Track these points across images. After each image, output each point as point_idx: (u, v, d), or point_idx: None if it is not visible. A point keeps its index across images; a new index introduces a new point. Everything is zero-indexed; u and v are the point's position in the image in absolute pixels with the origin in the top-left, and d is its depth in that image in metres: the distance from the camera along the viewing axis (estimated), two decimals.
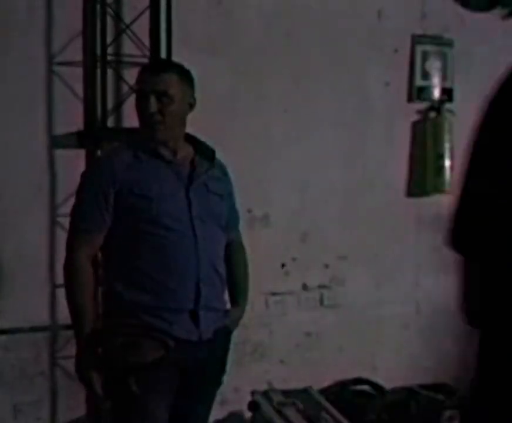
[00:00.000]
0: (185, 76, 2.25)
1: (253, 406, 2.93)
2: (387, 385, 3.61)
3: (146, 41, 3.13)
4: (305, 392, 2.99)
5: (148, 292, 2.09)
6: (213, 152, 2.33)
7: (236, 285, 2.39)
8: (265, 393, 2.94)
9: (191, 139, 2.31)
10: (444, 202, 3.74)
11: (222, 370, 2.32)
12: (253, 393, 3.00)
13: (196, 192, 2.18)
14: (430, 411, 3.54)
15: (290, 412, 2.74)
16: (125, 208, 2.11)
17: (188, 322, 2.12)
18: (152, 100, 2.10)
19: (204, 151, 2.30)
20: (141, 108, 2.14)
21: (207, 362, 2.19)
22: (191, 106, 2.26)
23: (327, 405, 2.86)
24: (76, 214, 2.17)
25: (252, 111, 3.40)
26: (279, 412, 2.74)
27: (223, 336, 2.28)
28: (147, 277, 2.09)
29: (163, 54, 3.09)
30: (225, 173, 2.37)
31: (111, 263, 2.18)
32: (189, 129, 3.06)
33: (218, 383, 2.34)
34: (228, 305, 2.38)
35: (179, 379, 2.16)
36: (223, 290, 2.28)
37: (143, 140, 2.19)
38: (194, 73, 3.15)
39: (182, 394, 2.17)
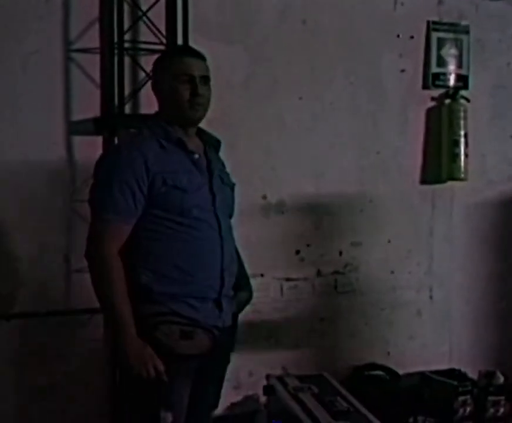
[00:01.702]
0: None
1: (268, 390, 2.95)
2: (401, 370, 3.64)
3: (162, 28, 3.15)
4: (320, 376, 3.02)
5: (177, 283, 2.09)
6: (220, 143, 2.35)
7: (240, 272, 2.41)
8: (280, 378, 2.97)
9: (198, 130, 2.31)
10: (459, 189, 3.78)
11: (231, 349, 2.37)
12: (268, 377, 3.03)
13: (216, 184, 2.21)
14: (443, 397, 3.58)
15: (305, 397, 2.76)
16: (156, 198, 2.07)
17: (213, 310, 2.16)
18: (199, 83, 2.15)
19: (212, 143, 2.32)
20: (184, 91, 2.13)
21: (223, 346, 2.24)
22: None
23: (342, 390, 2.88)
24: (105, 203, 2.06)
25: (267, 99, 3.41)
26: (295, 397, 2.77)
27: (236, 320, 2.34)
28: (176, 268, 2.09)
29: (179, 41, 3.11)
30: (224, 164, 2.39)
31: (138, 254, 2.10)
32: (205, 119, 3.13)
33: (227, 362, 2.40)
34: None
35: (202, 363, 2.20)
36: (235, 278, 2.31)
37: (165, 126, 2.17)
38: (210, 60, 3.23)
39: (196, 376, 2.20)
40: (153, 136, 2.16)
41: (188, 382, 2.16)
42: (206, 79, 2.20)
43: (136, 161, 2.06)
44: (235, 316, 2.36)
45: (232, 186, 2.36)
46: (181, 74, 2.15)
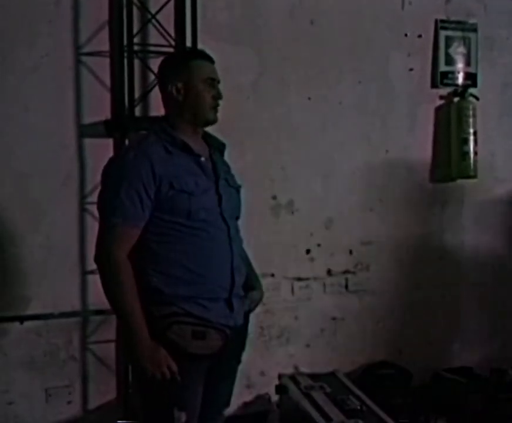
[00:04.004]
0: None
1: (280, 389, 2.96)
2: (412, 368, 3.64)
3: (171, 31, 3.17)
4: (332, 375, 3.02)
5: (187, 284, 2.11)
6: (224, 146, 2.37)
7: (249, 273, 2.42)
8: (292, 377, 2.98)
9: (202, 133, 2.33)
10: (469, 187, 3.77)
11: (242, 349, 2.38)
12: (280, 376, 3.04)
13: (223, 186, 2.23)
14: (455, 395, 3.57)
15: (317, 396, 2.77)
16: (164, 202, 2.09)
17: (224, 309, 2.18)
18: (219, 87, 2.25)
19: (217, 146, 2.34)
20: (207, 94, 2.20)
21: (235, 345, 2.25)
22: None
23: (354, 388, 2.89)
24: (113, 208, 2.07)
25: (276, 99, 3.42)
26: (307, 395, 2.77)
27: (247, 319, 2.35)
28: (185, 270, 2.11)
29: (188, 43, 3.13)
30: (229, 167, 2.40)
31: (147, 258, 2.11)
32: None
33: (239, 361, 2.41)
34: None
35: (214, 362, 2.21)
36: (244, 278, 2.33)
37: (170, 131, 2.19)
38: (218, 61, 3.24)
39: (210, 376, 2.21)
40: (159, 140, 2.17)
41: (201, 382, 2.17)
42: (219, 83, 2.29)
43: (143, 166, 2.08)
44: (246, 315, 2.38)
45: (238, 188, 2.37)
46: (205, 78, 2.21)
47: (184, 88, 2.20)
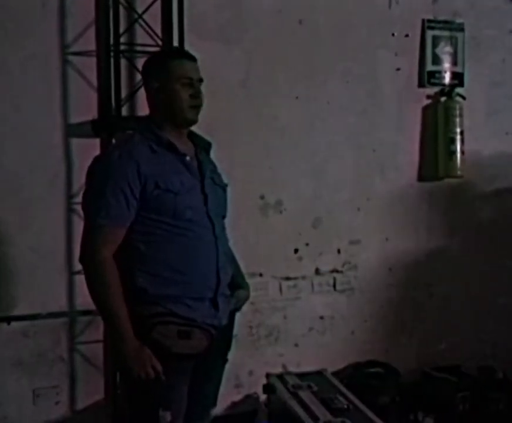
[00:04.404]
0: None
1: (268, 388, 2.97)
2: (400, 367, 3.64)
3: (158, 30, 3.16)
4: (320, 374, 3.03)
5: (172, 284, 2.11)
6: (210, 145, 2.37)
7: (235, 272, 2.42)
8: (280, 376, 2.98)
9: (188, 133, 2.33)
10: (456, 186, 3.79)
11: (228, 348, 2.39)
12: (268, 376, 3.04)
13: (208, 185, 2.23)
14: (443, 393, 3.59)
15: (305, 395, 2.77)
16: (149, 202, 2.09)
17: (210, 309, 2.18)
18: (198, 86, 2.22)
19: (203, 145, 2.34)
20: (184, 94, 2.17)
21: (220, 344, 2.26)
22: None
23: (341, 387, 2.90)
24: (98, 208, 2.06)
25: (264, 99, 3.42)
26: (294, 395, 2.78)
27: (232, 318, 2.36)
28: (171, 269, 2.11)
29: (175, 43, 3.13)
30: (216, 166, 2.41)
31: (132, 257, 2.11)
32: (202, 118, 3.13)
33: (225, 361, 2.42)
34: None
35: (200, 362, 2.21)
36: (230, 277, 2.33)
37: (155, 130, 2.19)
38: (206, 61, 3.24)
39: (193, 375, 2.21)
40: (144, 139, 2.17)
41: (186, 381, 2.17)
42: (201, 81, 2.27)
43: (128, 165, 2.08)
44: (232, 315, 2.38)
45: (224, 187, 2.38)
46: (182, 77, 2.19)
47: (162, 88, 2.20)
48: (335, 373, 3.50)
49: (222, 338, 2.29)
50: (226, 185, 2.41)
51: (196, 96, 2.21)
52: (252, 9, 3.39)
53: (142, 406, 2.11)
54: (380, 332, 3.74)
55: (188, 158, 2.21)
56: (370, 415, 2.63)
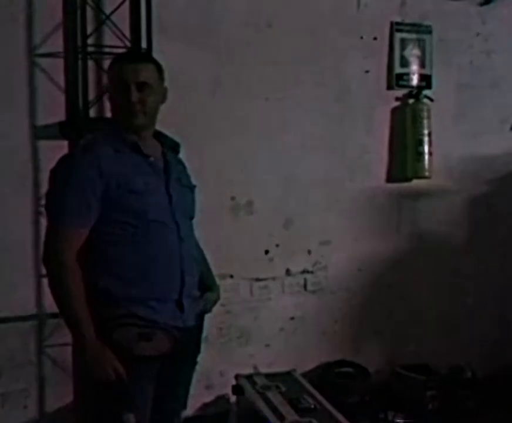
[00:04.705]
0: (159, 66, 2.29)
1: (237, 390, 2.98)
2: (370, 367, 3.68)
3: (127, 32, 3.16)
4: (289, 375, 3.05)
5: (135, 285, 2.11)
6: (178, 146, 2.37)
7: (204, 273, 2.43)
8: (249, 377, 2.99)
9: (156, 133, 2.32)
10: (424, 187, 3.84)
11: (197, 351, 2.39)
12: (237, 377, 3.05)
13: (174, 186, 2.22)
14: (412, 392, 3.63)
15: (273, 395, 2.79)
16: (112, 203, 2.09)
17: (173, 310, 2.17)
18: (134, 90, 2.14)
19: (171, 145, 2.34)
20: (121, 98, 2.15)
21: (187, 346, 2.25)
22: (164, 97, 2.29)
23: (309, 387, 2.92)
24: (60, 209, 2.07)
25: (234, 100, 3.43)
26: (262, 395, 2.79)
27: (200, 320, 2.35)
28: (133, 270, 2.11)
29: (144, 44, 3.12)
30: (185, 166, 2.41)
31: (95, 258, 2.12)
32: (172, 119, 3.13)
33: (194, 364, 2.41)
34: None
35: (162, 364, 2.21)
36: (198, 278, 2.33)
37: (119, 132, 2.19)
38: (175, 62, 3.24)
39: (161, 378, 2.21)
40: (108, 140, 2.17)
41: (150, 383, 2.17)
42: (144, 85, 2.17)
43: (90, 166, 2.08)
44: (201, 316, 2.38)
45: (192, 188, 2.37)
46: (117, 82, 2.17)
47: (109, 93, 2.22)
48: (306, 374, 3.53)
49: (190, 340, 2.28)
50: (194, 186, 2.41)
51: (128, 101, 2.13)
52: (221, 11, 3.39)
53: (105, 408, 2.11)
54: (351, 332, 3.77)
55: (152, 158, 2.21)
56: (337, 414, 2.66)
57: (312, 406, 2.71)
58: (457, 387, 3.68)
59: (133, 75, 2.15)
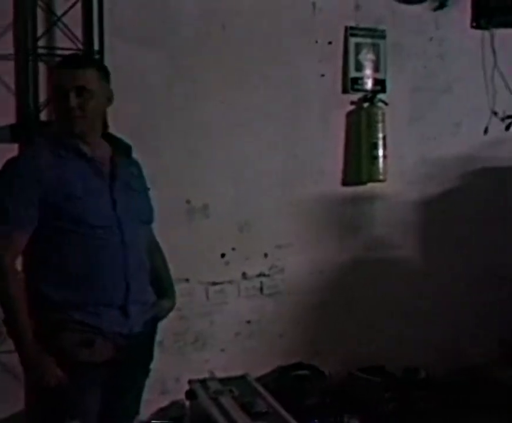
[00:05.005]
0: (103, 69, 2.26)
1: (190, 395, 2.96)
2: (328, 369, 3.69)
3: (79, 33, 3.12)
4: (242, 379, 3.04)
5: (76, 291, 2.08)
6: (130, 148, 2.34)
7: (162, 279, 2.41)
8: (202, 382, 2.98)
9: (107, 136, 2.29)
10: (379, 190, 3.87)
11: (149, 359, 2.36)
12: (190, 382, 3.04)
13: (120, 190, 2.19)
14: (368, 394, 3.65)
15: (225, 400, 2.78)
16: (51, 208, 2.06)
17: (118, 316, 2.14)
18: (72, 95, 2.10)
19: (122, 148, 2.31)
20: (60, 103, 2.12)
21: (138, 354, 2.23)
22: (109, 100, 2.26)
23: (263, 391, 2.92)
24: None
25: (189, 103, 3.42)
26: (215, 400, 2.78)
27: (150, 327, 2.32)
28: (74, 276, 2.09)
29: (96, 46, 3.09)
30: (139, 168, 2.38)
31: (35, 264, 2.10)
32: (125, 121, 3.12)
33: (146, 372, 2.38)
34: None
35: (108, 370, 2.18)
36: (149, 283, 2.31)
37: (61, 136, 2.15)
38: (129, 64, 3.22)
39: (111, 385, 2.18)
40: (49, 145, 2.14)
41: (96, 390, 2.14)
42: (83, 90, 2.13)
43: (28, 171, 2.06)
44: (152, 323, 2.35)
45: (144, 191, 2.34)
46: (56, 87, 2.14)
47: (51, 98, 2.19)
48: (262, 377, 3.53)
49: (139, 347, 2.24)
50: (147, 189, 2.37)
51: (67, 107, 2.10)
52: (175, 13, 3.39)
53: (48, 415, 2.08)
54: (308, 335, 3.77)
55: (97, 162, 2.18)
56: (287, 417, 2.66)
57: (264, 410, 2.71)
58: (412, 388, 3.72)
59: (72, 80, 2.11)
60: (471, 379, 3.95)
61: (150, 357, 2.38)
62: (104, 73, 2.24)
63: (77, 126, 2.13)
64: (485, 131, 4.09)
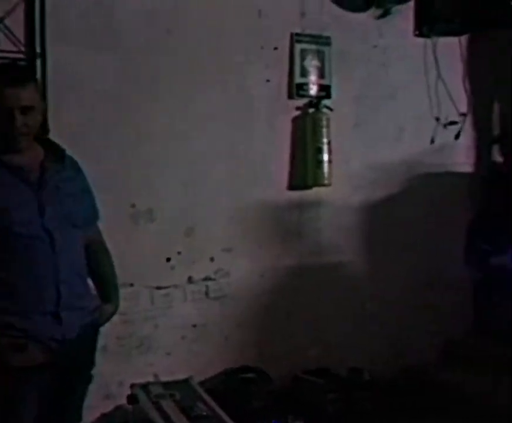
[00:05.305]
0: (36, 80, 2.25)
1: (132, 399, 2.96)
2: (274, 372, 3.72)
3: (22, 36, 3.09)
4: (185, 382, 3.05)
5: (6, 297, 2.07)
6: (63, 152, 2.32)
7: (105, 283, 2.41)
8: (144, 386, 2.98)
9: (39, 140, 2.28)
10: (325, 194, 3.93)
11: (89, 364, 2.35)
12: (132, 386, 3.03)
13: (49, 196, 2.17)
14: (312, 395, 3.70)
15: (167, 404, 2.78)
16: None
17: (50, 322, 2.14)
18: (17, 113, 2.09)
19: (53, 153, 2.29)
20: (4, 123, 2.09)
21: (75, 359, 2.22)
22: (45, 110, 2.26)
23: (204, 395, 2.93)
24: None
25: (135, 107, 3.40)
26: (156, 404, 2.79)
27: (90, 333, 2.31)
28: (5, 284, 2.08)
29: (38, 49, 3.07)
30: (78, 170, 2.36)
31: None
32: (69, 126, 3.10)
33: (87, 378, 2.37)
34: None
35: (48, 377, 2.17)
36: (86, 288, 2.30)
37: None
38: (73, 68, 3.20)
39: (49, 391, 2.18)
40: None
41: (32, 396, 2.12)
42: (29, 109, 2.12)
43: None
44: (92, 328, 2.34)
45: (82, 193, 2.33)
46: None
47: None
48: (208, 380, 3.55)
49: (77, 352, 2.24)
50: (87, 191, 2.36)
51: (14, 127, 2.09)
52: (121, 17, 3.37)
53: None
54: (254, 338, 3.80)
55: (25, 171, 2.15)
56: (228, 420, 2.68)
57: (204, 413, 2.73)
58: (355, 389, 3.78)
59: (16, 100, 2.09)
60: (415, 380, 4.04)
61: (91, 362, 2.37)
62: (36, 82, 2.23)
63: (21, 143, 2.14)
64: (432, 141, 4.18)
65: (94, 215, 2.43)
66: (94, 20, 3.31)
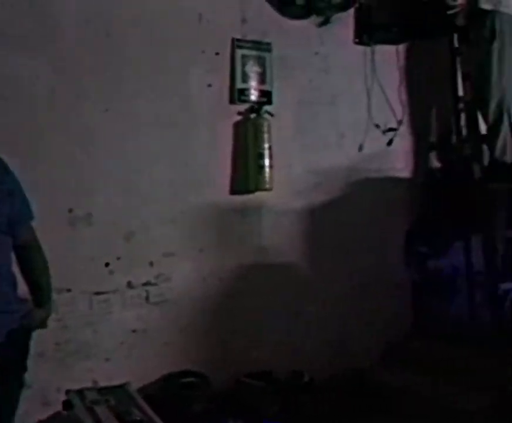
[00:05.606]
0: None
1: (66, 405, 2.94)
2: (215, 375, 3.72)
3: None
4: (121, 388, 3.04)
5: None
6: None
7: (37, 287, 2.39)
8: (80, 392, 2.96)
9: None
10: (267, 199, 3.96)
11: (21, 370, 2.32)
12: (67, 392, 3.01)
13: None
14: (252, 398, 3.72)
15: (101, 410, 2.77)
16: None
17: None
18: None
19: None
20: None
21: (3, 364, 2.19)
22: None
23: (139, 400, 2.93)
24: None
25: (72, 111, 3.37)
26: (90, 410, 2.77)
27: (20, 337, 2.28)
28: None
29: None
30: (5, 171, 2.33)
31: None
32: (4, 131, 3.04)
33: (19, 383, 2.34)
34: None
35: None
36: (13, 292, 2.27)
37: None
38: (4, 70, 3.15)
39: None
40: None
41: None
42: None
43: None
44: (23, 333, 2.31)
45: (9, 195, 2.29)
46: None
47: None
48: (149, 385, 3.53)
49: (5, 357, 2.21)
50: (16, 192, 2.33)
51: None
52: (57, 19, 3.33)
53: None
54: (195, 342, 3.80)
55: None
56: None
57: (138, 418, 2.73)
58: (296, 392, 3.82)
59: None
60: (355, 382, 4.10)
61: (22, 368, 2.34)
62: None
63: None
64: (360, 148, 4.24)
65: (25, 216, 2.39)
66: (28, 21, 3.25)
